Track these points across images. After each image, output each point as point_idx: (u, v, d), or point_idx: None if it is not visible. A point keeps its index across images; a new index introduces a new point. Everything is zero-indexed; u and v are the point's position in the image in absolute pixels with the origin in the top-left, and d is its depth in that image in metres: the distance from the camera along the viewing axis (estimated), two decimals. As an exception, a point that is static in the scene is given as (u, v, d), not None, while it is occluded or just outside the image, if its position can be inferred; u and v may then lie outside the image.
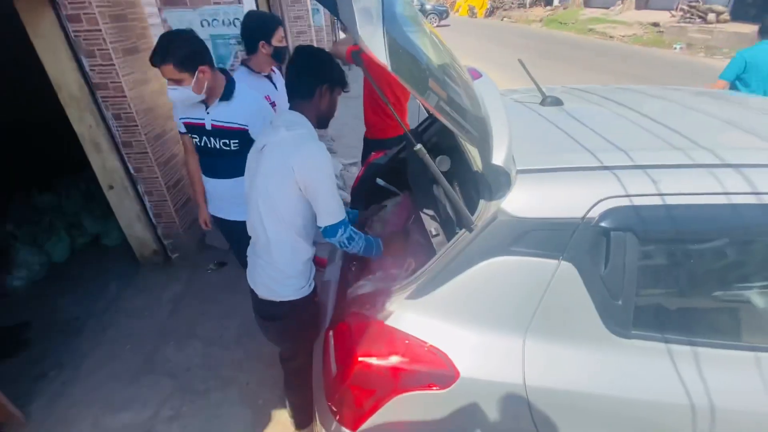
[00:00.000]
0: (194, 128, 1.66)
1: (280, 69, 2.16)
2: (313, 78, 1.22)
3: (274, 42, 1.88)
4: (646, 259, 0.95)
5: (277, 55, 1.93)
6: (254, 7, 2.45)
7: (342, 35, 10.89)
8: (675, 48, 10.98)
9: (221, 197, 1.81)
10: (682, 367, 0.95)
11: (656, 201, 0.91)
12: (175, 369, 2.08)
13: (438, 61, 0.90)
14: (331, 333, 1.17)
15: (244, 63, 1.96)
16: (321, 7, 7.07)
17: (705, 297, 1.02)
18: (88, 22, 2.06)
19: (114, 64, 2.17)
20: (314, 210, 1.24)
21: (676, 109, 1.45)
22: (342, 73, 1.28)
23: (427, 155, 0.89)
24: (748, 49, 3.18)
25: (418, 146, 0.87)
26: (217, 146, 1.66)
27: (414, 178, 1.51)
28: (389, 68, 0.71)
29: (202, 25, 2.15)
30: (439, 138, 1.75)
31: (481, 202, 0.97)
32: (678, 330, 0.98)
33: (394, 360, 0.96)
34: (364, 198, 2.07)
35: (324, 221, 1.22)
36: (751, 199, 0.91)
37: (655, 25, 12.58)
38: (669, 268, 0.99)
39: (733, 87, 3.15)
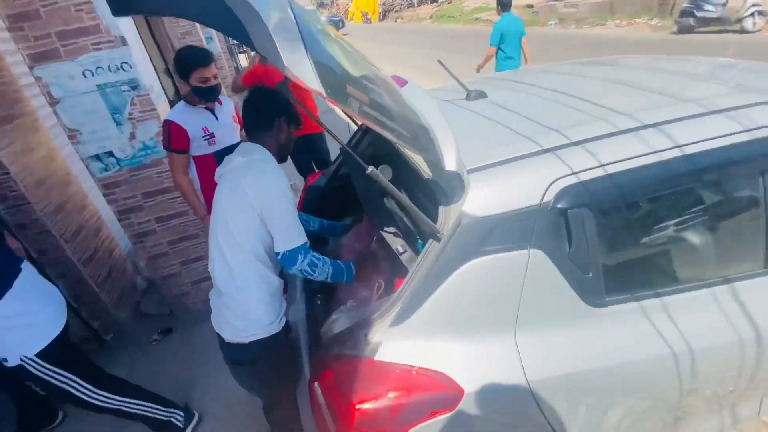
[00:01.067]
0: None
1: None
2: (271, 110, 1.25)
3: (192, 82, 1.79)
4: (604, 228, 1.00)
5: (199, 93, 1.83)
6: (140, 47, 2.24)
7: (243, 60, 10.52)
8: (550, 24, 12.27)
9: None
10: (656, 320, 1.00)
11: (599, 173, 0.95)
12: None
13: (351, 66, 0.85)
14: (316, 385, 1.07)
15: (185, 97, 1.93)
16: (214, 34, 6.73)
17: (659, 249, 1.10)
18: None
19: (-18, 139, 1.83)
20: (271, 235, 1.17)
21: (584, 82, 1.56)
22: (297, 111, 1.31)
23: (381, 177, 0.85)
24: (499, 21, 4.21)
25: (370, 169, 0.82)
26: None
27: (363, 196, 1.46)
28: (324, 94, 0.66)
29: (85, 76, 1.89)
30: (374, 149, 1.72)
31: (441, 208, 0.95)
32: (644, 286, 1.04)
33: (394, 396, 0.90)
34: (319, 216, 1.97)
35: (281, 246, 1.15)
36: (675, 152, 0.99)
37: (530, 6, 13.97)
38: (625, 232, 1.05)
39: (499, 51, 4.29)
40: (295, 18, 0.67)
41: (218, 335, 1.31)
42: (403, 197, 0.91)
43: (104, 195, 2.21)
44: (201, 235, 2.49)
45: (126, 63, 1.91)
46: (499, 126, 1.16)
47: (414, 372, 0.93)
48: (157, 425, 1.77)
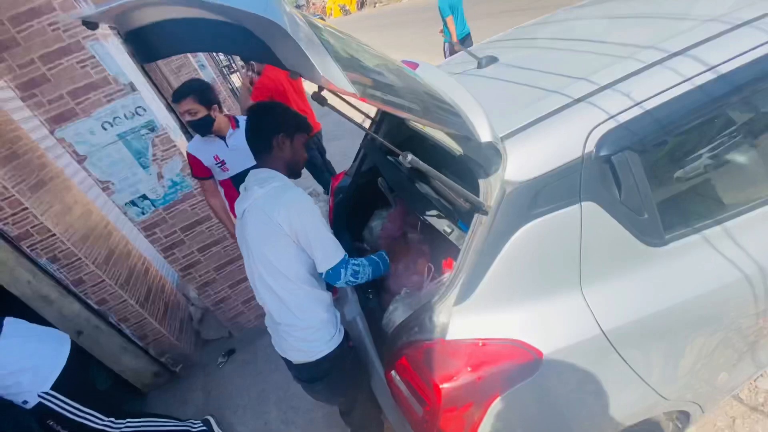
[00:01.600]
0: None
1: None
2: (266, 131, 1.21)
3: (180, 115, 1.82)
4: (651, 166, 0.97)
5: (192, 126, 1.87)
6: (148, 89, 2.30)
7: (236, 80, 10.59)
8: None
9: None
10: (720, 247, 0.98)
11: (636, 111, 0.93)
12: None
13: (347, 52, 0.84)
14: (394, 374, 1.10)
15: None
16: (206, 61, 6.82)
17: (710, 176, 1.07)
18: (-22, 177, 1.82)
19: (27, 208, 1.93)
20: (312, 257, 1.19)
21: (590, 24, 1.51)
22: (299, 118, 1.27)
23: (420, 162, 0.86)
24: None
25: (410, 157, 0.83)
26: None
27: (397, 185, 1.47)
28: (359, 95, 0.67)
29: (105, 128, 1.96)
30: (391, 137, 1.73)
31: (480, 182, 0.95)
32: (702, 217, 1.01)
33: (473, 369, 0.92)
34: (346, 224, 2.00)
35: (324, 266, 1.18)
36: (710, 75, 0.95)
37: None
38: (672, 165, 1.03)
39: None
40: (308, 25, 0.68)
41: (283, 358, 1.35)
42: (445, 178, 0.92)
43: (146, 237, 2.30)
44: (239, 258, 2.57)
45: (140, 107, 1.97)
46: (521, 87, 1.14)
47: (489, 344, 0.94)
48: None
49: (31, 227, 1.99)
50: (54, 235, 2.05)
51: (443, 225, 1.19)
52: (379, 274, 1.30)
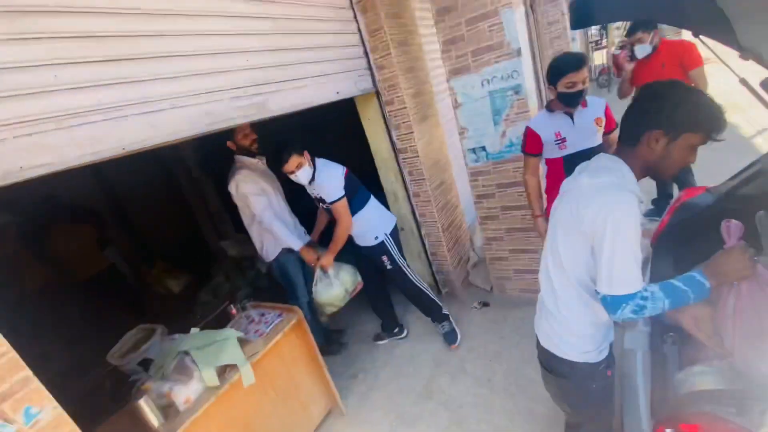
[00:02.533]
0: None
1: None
2: (642, 121, 1.01)
3: (559, 87, 1.85)
4: None
5: (563, 98, 1.89)
6: (528, 55, 2.51)
7: (597, 57, 9.82)
8: None
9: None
10: None
11: None
12: (450, 402, 2.21)
13: None
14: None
15: (548, 104, 2.05)
16: (577, 36, 6.64)
17: None
18: (398, 103, 2.65)
19: (413, 132, 2.69)
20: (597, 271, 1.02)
21: None
22: (705, 114, 0.94)
23: None
24: None
25: None
26: (324, 207, 2.43)
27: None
28: None
29: (482, 85, 2.37)
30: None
31: None
32: None
33: None
34: (673, 249, 1.65)
35: (603, 288, 0.99)
36: None
37: None
38: None
39: None
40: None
41: (535, 335, 1.34)
42: None
43: (470, 181, 2.74)
44: (531, 230, 2.65)
45: (516, 71, 2.23)
46: None
47: None
48: (437, 310, 2.64)
49: (409, 146, 2.76)
50: (418, 156, 2.77)
51: None
52: (682, 304, 0.98)
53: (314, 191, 2.37)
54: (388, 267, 2.53)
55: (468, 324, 2.80)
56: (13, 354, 0.91)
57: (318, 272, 2.45)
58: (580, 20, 0.72)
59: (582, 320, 1.14)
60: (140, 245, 4.98)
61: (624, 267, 0.95)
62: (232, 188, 2.34)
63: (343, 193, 2.30)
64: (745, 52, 0.56)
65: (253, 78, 1.76)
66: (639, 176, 1.06)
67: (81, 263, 3.68)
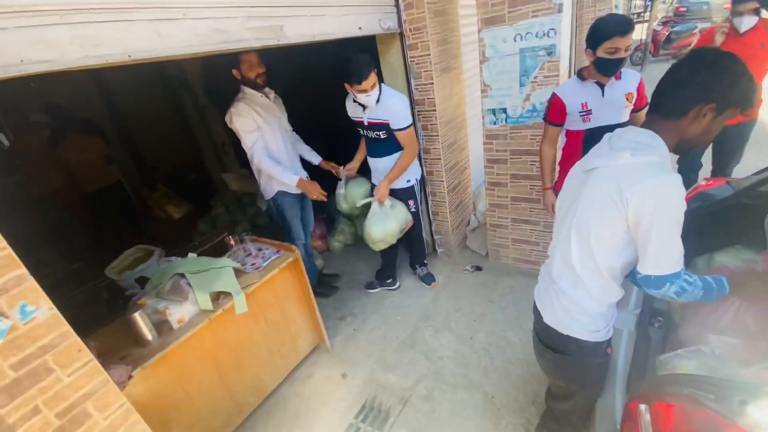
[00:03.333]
0: (358, 124, 2.40)
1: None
2: (695, 93, 0.93)
3: (599, 52, 1.70)
4: None
5: (601, 65, 1.75)
6: (569, 14, 2.32)
7: (638, 31, 9.18)
8: None
9: (380, 171, 2.48)
10: None
11: None
12: (431, 353, 2.31)
13: None
14: (642, 408, 0.95)
15: (580, 71, 1.91)
16: (621, 3, 6.15)
17: None
18: (422, 49, 2.49)
19: (432, 83, 2.56)
20: (638, 253, 1.00)
21: None
22: (748, 89, 0.93)
23: None
24: None
25: None
26: (374, 136, 2.36)
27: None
28: None
29: (515, 40, 2.21)
30: None
31: None
32: None
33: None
34: (683, 237, 1.63)
35: (649, 269, 0.97)
36: None
37: None
38: None
39: None
40: None
41: (536, 309, 1.32)
42: None
43: (484, 143, 2.65)
44: (536, 202, 2.61)
45: (553, 30, 2.07)
46: None
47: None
48: (423, 257, 2.97)
49: (427, 98, 2.64)
50: (434, 110, 2.65)
51: None
52: (706, 301, 1.04)
53: (375, 115, 2.29)
54: (412, 210, 2.58)
55: (458, 285, 2.86)
56: (10, 250, 0.91)
57: (374, 205, 2.43)
58: None
59: (600, 300, 1.13)
60: (143, 168, 4.95)
61: (672, 249, 0.95)
62: (227, 119, 2.26)
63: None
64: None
65: (271, -2, 1.63)
66: (671, 150, 1.01)
67: (90, 175, 3.72)
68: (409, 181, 2.52)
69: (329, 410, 2.06)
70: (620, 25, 1.64)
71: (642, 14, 11.13)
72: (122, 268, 2.41)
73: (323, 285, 3.04)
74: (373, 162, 2.52)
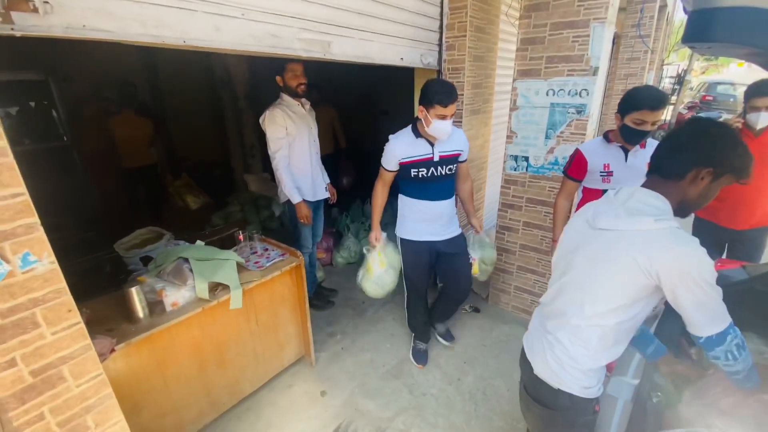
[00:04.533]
0: (419, 163, 1.99)
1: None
2: (693, 156, 0.98)
3: (627, 120, 1.73)
4: None
5: (626, 133, 1.77)
6: (604, 77, 2.39)
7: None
8: None
9: (444, 216, 2.13)
10: None
11: None
12: (415, 387, 2.24)
13: None
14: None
15: (606, 133, 1.93)
16: (652, 81, 6.30)
17: None
18: (457, 88, 2.58)
19: (461, 121, 2.63)
20: (684, 318, 1.00)
21: None
22: (743, 158, 0.98)
23: None
24: None
25: None
26: (444, 172, 2.02)
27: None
28: None
29: (547, 94, 2.28)
30: None
31: None
32: None
33: None
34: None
35: (707, 330, 0.97)
36: None
37: None
38: None
39: None
40: None
41: (525, 359, 1.28)
42: None
43: (502, 187, 2.68)
44: (545, 253, 2.59)
45: (585, 90, 2.14)
46: None
47: None
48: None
49: (454, 134, 2.70)
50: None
51: None
52: (750, 379, 1.03)
53: (447, 147, 2.02)
54: (469, 258, 2.29)
55: (454, 324, 2.80)
56: (27, 198, 0.92)
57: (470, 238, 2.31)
58: (693, 33, 0.67)
59: (597, 357, 1.11)
60: (173, 156, 5.13)
61: (720, 304, 0.97)
62: (261, 120, 2.36)
63: None
64: None
65: (325, 15, 1.74)
66: (674, 212, 1.03)
67: (131, 152, 3.90)
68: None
69: (301, 426, 1.99)
70: (653, 100, 1.66)
71: (670, 96, 11.37)
72: (131, 245, 2.46)
73: (320, 298, 3.02)
74: (437, 206, 2.09)
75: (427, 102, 1.84)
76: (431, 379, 2.30)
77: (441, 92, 1.80)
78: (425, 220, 2.12)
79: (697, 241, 0.95)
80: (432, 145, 1.98)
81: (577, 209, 2.11)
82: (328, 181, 2.74)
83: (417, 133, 1.97)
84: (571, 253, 1.17)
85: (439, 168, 2.02)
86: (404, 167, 2.01)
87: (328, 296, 3.11)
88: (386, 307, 3.02)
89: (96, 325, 1.55)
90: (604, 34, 2.05)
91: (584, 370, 1.12)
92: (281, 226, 4.35)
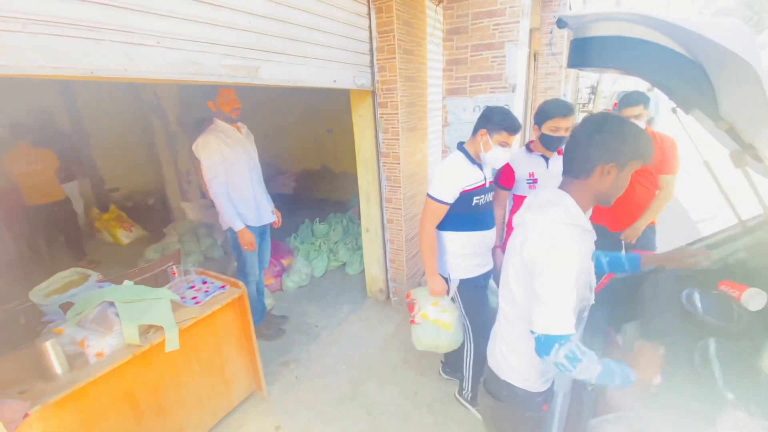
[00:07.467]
0: (478, 190, 1.82)
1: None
2: (595, 154, 1.02)
3: (544, 129, 1.92)
4: None
5: (544, 141, 1.96)
6: (522, 93, 2.61)
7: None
8: None
9: (487, 247, 1.95)
10: None
11: None
12: (373, 407, 2.21)
13: None
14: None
15: (527, 144, 2.09)
16: (568, 93, 6.96)
17: None
18: (391, 108, 2.67)
19: (399, 139, 2.71)
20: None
21: None
22: (643, 143, 1.01)
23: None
24: None
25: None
26: (489, 199, 1.90)
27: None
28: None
29: (474, 110, 2.44)
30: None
31: None
32: None
33: None
34: (609, 304, 1.73)
35: (536, 327, 0.99)
36: None
37: None
38: None
39: None
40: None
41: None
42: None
43: (442, 198, 2.77)
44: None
45: (507, 105, 2.31)
46: None
47: None
48: None
49: (392, 151, 2.77)
50: (399, 163, 2.79)
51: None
52: (605, 384, 1.02)
53: (488, 171, 1.90)
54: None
55: (409, 335, 2.81)
56: None
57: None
58: (575, 60, 0.76)
59: (525, 350, 1.17)
60: (100, 187, 4.73)
61: (555, 305, 0.96)
62: (194, 147, 2.28)
63: None
64: (721, 122, 0.61)
65: (250, 41, 1.73)
66: (589, 206, 1.10)
67: (33, 187, 3.51)
68: None
69: (255, 467, 1.88)
70: (562, 108, 1.88)
71: (586, 105, 12.66)
72: (51, 291, 2.20)
73: (270, 327, 2.90)
74: (490, 235, 1.95)
75: (492, 127, 1.72)
76: (388, 396, 2.29)
77: (514, 121, 1.71)
78: (480, 254, 1.93)
79: (565, 231, 1.01)
80: (482, 169, 1.85)
81: (509, 215, 2.26)
82: (271, 206, 2.67)
83: (472, 159, 1.81)
84: (504, 259, 1.25)
85: (488, 194, 1.89)
86: (465, 196, 1.80)
87: (278, 324, 2.99)
88: (341, 328, 2.98)
89: (5, 388, 1.37)
90: (517, 53, 2.24)
91: (522, 361, 1.18)
92: (225, 254, 4.15)
